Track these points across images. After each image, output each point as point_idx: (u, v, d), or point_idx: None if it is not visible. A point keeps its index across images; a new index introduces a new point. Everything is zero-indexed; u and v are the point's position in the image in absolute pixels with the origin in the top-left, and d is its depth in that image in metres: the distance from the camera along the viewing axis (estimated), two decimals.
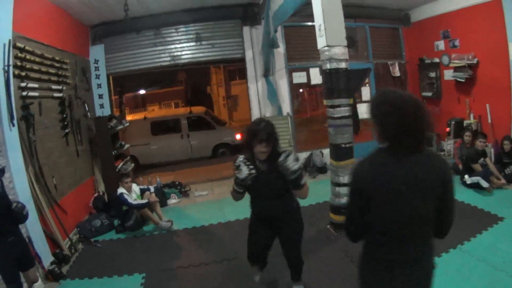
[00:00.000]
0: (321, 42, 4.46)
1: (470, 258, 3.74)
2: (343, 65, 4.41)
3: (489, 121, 7.08)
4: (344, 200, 4.70)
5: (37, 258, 3.77)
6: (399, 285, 1.76)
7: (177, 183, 7.13)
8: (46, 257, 4.06)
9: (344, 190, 4.69)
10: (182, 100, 18.07)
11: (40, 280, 3.09)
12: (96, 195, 6.22)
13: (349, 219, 1.87)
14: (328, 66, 4.42)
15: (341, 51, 4.38)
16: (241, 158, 2.79)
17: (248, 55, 7.56)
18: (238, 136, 10.76)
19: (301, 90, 8.24)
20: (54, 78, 5.17)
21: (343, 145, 4.57)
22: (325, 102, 4.63)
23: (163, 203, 6.34)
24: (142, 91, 18.28)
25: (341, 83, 4.42)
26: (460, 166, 6.29)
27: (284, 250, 3.10)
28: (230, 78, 16.22)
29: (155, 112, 14.32)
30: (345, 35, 4.46)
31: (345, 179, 4.66)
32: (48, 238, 4.28)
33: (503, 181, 5.91)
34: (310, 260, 4.00)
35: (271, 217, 2.94)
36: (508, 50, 6.53)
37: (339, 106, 4.46)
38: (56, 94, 5.20)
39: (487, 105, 7.02)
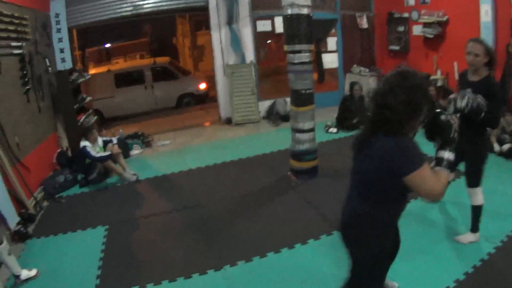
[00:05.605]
0: None
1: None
2: (305, 11, 4.44)
3: (456, 78, 6.93)
4: (304, 146, 4.78)
5: (1, 219, 3.81)
6: None
7: (139, 133, 7.10)
8: (12, 218, 4.09)
9: (304, 136, 4.77)
10: (148, 52, 17.42)
11: (5, 241, 3.20)
12: (59, 151, 6.17)
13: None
14: (289, 11, 4.44)
15: None
16: None
17: (212, 2, 7.38)
18: (202, 86, 10.74)
19: (265, 39, 8.18)
20: (13, 35, 4.96)
21: (303, 91, 4.67)
22: (285, 47, 4.65)
23: (126, 154, 6.36)
24: (107, 45, 17.49)
25: (302, 29, 4.45)
26: None
27: None
28: (196, 29, 15.77)
29: (119, 64, 13.90)
30: None
31: (304, 125, 4.74)
32: (13, 199, 4.30)
33: None
34: (272, 207, 4.20)
35: None
36: (480, 11, 6.43)
37: (299, 52, 4.52)
38: (16, 51, 5.02)
39: (455, 62, 6.94)
